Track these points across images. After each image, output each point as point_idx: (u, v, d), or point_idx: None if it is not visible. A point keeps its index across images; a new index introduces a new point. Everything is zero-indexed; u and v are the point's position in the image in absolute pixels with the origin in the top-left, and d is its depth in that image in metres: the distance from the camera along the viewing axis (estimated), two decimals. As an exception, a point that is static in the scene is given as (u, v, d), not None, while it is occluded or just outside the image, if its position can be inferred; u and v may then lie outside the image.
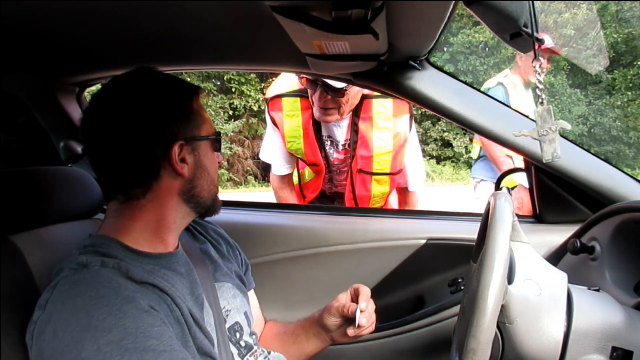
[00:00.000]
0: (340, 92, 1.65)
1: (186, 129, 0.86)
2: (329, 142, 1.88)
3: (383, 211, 1.83)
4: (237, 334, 0.96)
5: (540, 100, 0.82)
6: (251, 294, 1.12)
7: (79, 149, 1.45)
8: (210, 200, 0.92)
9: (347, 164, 1.89)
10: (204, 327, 0.84)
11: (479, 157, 2.80)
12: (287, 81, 1.85)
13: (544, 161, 0.83)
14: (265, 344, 1.09)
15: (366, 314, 1.00)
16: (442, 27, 0.93)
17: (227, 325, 0.94)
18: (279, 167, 1.99)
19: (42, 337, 0.71)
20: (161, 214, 0.86)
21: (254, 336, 1.00)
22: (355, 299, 1.04)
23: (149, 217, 0.85)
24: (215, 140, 0.91)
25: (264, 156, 2.01)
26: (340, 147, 1.88)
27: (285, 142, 1.88)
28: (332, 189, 2.04)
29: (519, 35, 0.83)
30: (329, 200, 2.10)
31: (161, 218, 0.86)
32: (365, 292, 1.03)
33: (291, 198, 2.06)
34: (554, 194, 1.29)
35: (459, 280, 1.33)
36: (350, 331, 1.00)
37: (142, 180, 0.84)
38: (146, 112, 0.83)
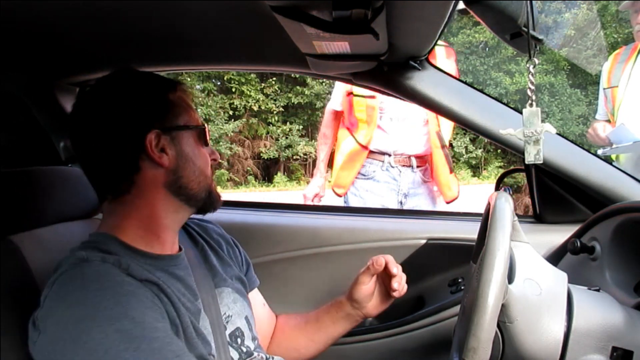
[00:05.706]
0: None
1: (163, 119, 0.86)
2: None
3: (383, 211, 1.83)
4: (239, 340, 0.95)
5: (529, 102, 0.83)
6: (255, 292, 1.12)
7: (79, 149, 1.45)
8: (203, 193, 0.90)
9: None
10: (200, 330, 0.84)
11: None
12: None
13: (526, 162, 0.84)
14: (284, 337, 1.11)
15: (398, 278, 1.03)
16: (442, 27, 0.93)
17: (228, 332, 0.93)
18: (335, 102, 2.29)
19: (44, 332, 0.71)
20: (151, 208, 0.86)
21: (255, 340, 1.00)
22: (376, 271, 1.04)
23: (141, 213, 0.86)
24: (199, 132, 0.90)
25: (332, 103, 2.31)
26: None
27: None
28: None
29: (519, 35, 0.84)
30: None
31: (152, 213, 0.86)
32: (390, 259, 1.04)
33: (330, 137, 2.32)
34: (554, 194, 1.29)
35: (459, 280, 1.34)
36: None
37: (124, 175, 0.85)
38: (120, 106, 0.85)
